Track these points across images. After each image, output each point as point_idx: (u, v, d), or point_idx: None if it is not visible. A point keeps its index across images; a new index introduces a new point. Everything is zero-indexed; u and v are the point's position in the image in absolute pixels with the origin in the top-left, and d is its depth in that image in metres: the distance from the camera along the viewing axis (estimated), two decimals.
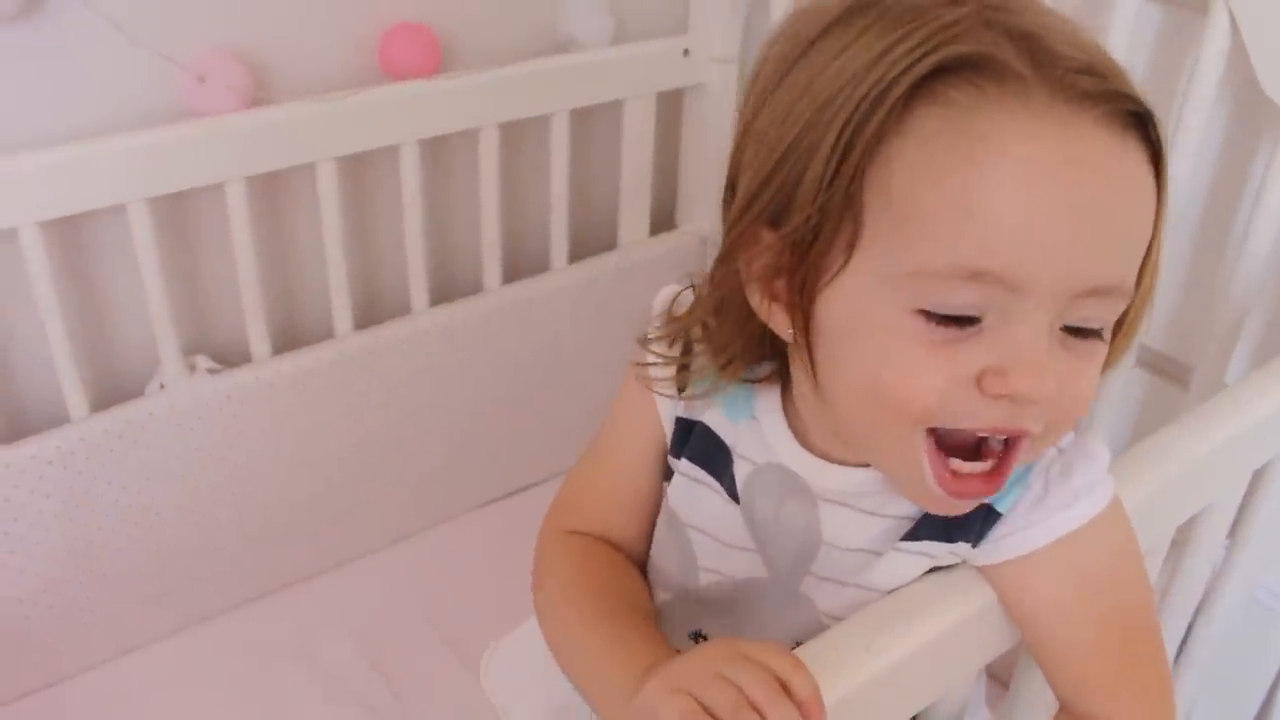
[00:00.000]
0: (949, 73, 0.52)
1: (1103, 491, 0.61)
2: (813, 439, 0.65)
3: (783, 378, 0.67)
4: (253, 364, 1.16)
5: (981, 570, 0.62)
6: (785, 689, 0.49)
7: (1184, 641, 0.91)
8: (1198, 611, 0.89)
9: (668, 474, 0.72)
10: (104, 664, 1.14)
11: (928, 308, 0.52)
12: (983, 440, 0.56)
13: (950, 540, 0.62)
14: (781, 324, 0.59)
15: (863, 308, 0.55)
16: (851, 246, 0.54)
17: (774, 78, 0.58)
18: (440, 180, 1.29)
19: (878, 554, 0.63)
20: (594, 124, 1.36)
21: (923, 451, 0.55)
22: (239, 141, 1.07)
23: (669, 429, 0.71)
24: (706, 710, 0.49)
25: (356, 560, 1.29)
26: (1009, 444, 0.56)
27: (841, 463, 0.64)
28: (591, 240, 1.41)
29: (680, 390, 0.69)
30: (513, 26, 1.27)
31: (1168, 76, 0.99)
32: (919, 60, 0.51)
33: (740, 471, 0.68)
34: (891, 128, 0.52)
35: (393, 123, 1.16)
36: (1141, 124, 0.54)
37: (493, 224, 1.27)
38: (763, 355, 0.65)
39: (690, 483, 0.70)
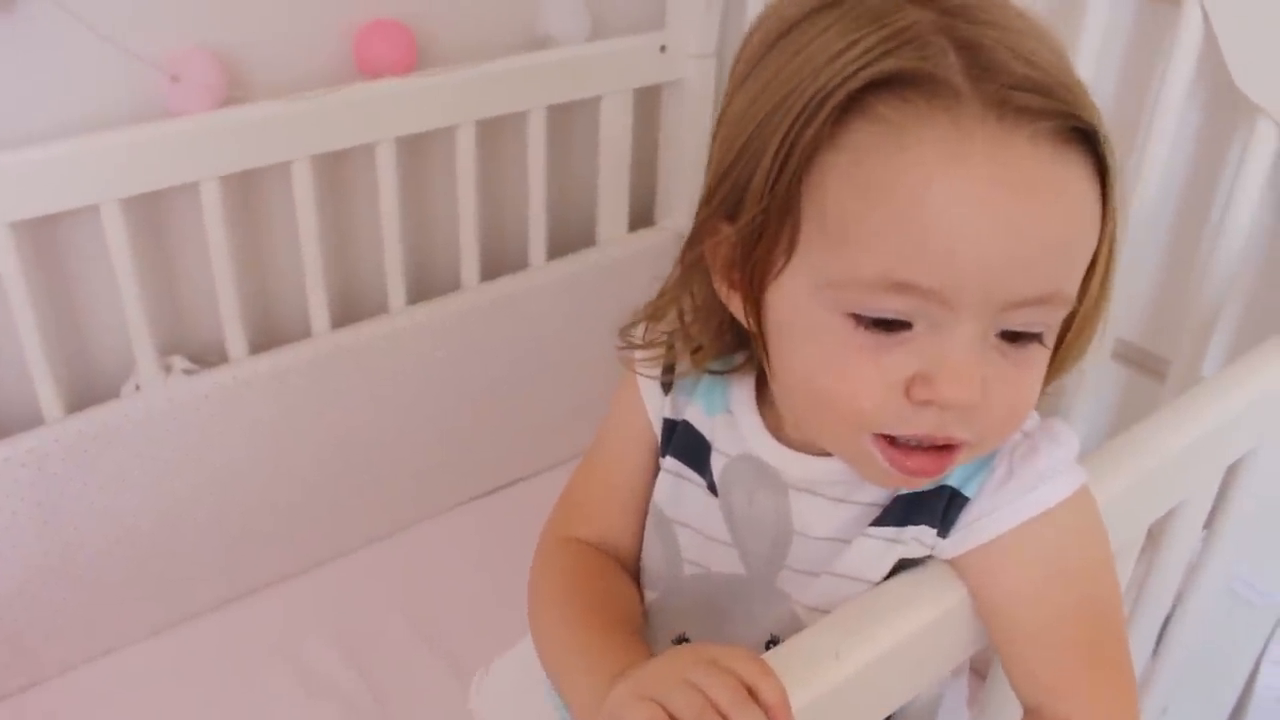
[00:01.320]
0: (882, 87, 0.52)
1: (1070, 477, 0.61)
2: (786, 429, 0.67)
3: (758, 367, 0.67)
4: (229, 364, 1.16)
5: (951, 563, 0.62)
6: (753, 694, 0.49)
7: (1161, 635, 0.91)
8: (1174, 605, 0.89)
9: (656, 473, 0.74)
10: (82, 665, 1.14)
11: (856, 311, 0.54)
12: None
13: (917, 523, 0.62)
14: (740, 313, 0.60)
15: (800, 308, 0.56)
16: (791, 249, 0.55)
17: (745, 71, 0.59)
18: (418, 178, 1.28)
19: (846, 542, 0.64)
20: (572, 121, 1.36)
21: (872, 444, 0.57)
22: (213, 141, 1.07)
23: (659, 430, 0.73)
24: (672, 717, 0.49)
25: (336, 560, 1.29)
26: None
27: (811, 452, 0.65)
28: (570, 237, 1.41)
29: (664, 374, 0.71)
30: (489, 23, 1.27)
31: (1141, 70, 0.99)
32: (854, 74, 0.52)
33: (717, 464, 0.69)
34: (825, 140, 0.53)
35: (369, 121, 1.15)
36: (1088, 139, 0.53)
37: (471, 221, 1.27)
38: (734, 344, 0.67)
39: (675, 479, 0.72)
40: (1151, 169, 0.96)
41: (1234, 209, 0.93)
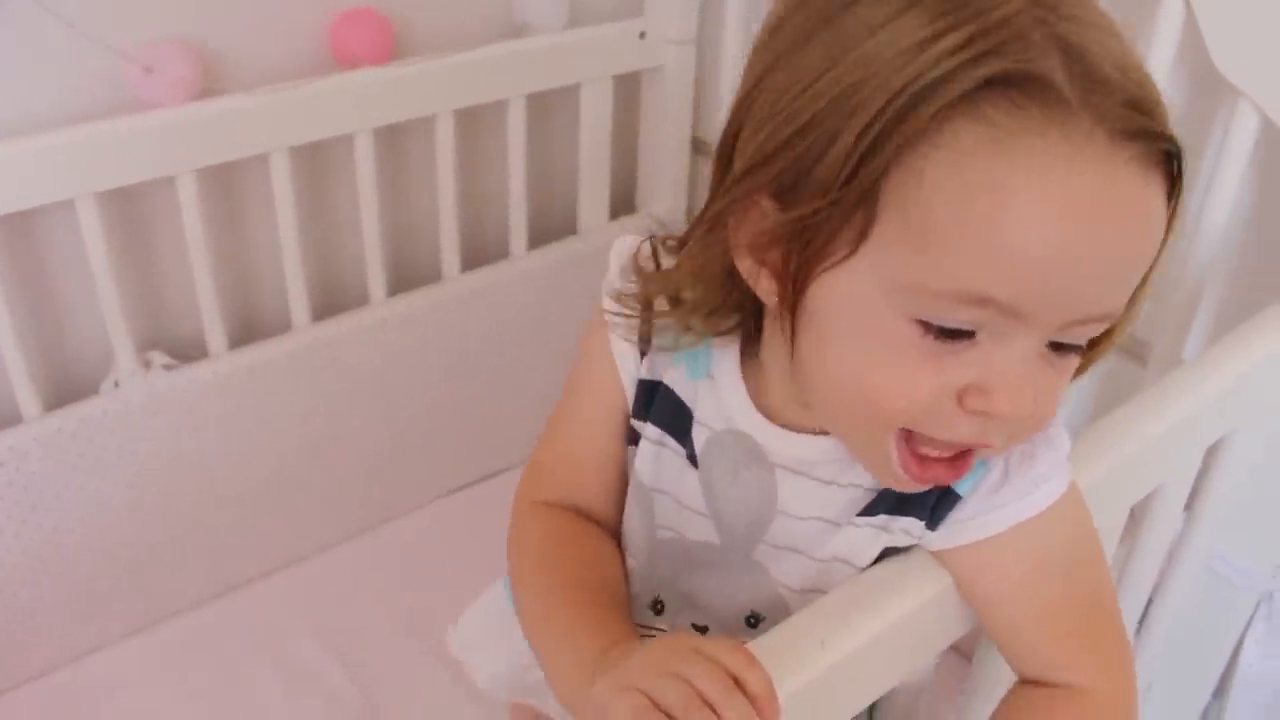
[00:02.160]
0: (991, 87, 0.49)
1: (1060, 479, 0.61)
2: (771, 402, 0.65)
3: (744, 334, 0.65)
4: (209, 359, 1.15)
5: (937, 554, 0.62)
6: (738, 684, 0.49)
7: (1143, 615, 0.92)
8: (1156, 585, 0.90)
9: (632, 438, 0.71)
10: (63, 666, 1.14)
11: (926, 319, 0.52)
12: None
13: (906, 514, 0.62)
14: (768, 292, 0.58)
15: (858, 304, 0.53)
16: (859, 241, 0.52)
17: (798, 34, 0.54)
18: (397, 168, 1.27)
19: (835, 525, 0.64)
20: (551, 108, 1.35)
21: (891, 442, 0.56)
22: (189, 133, 1.06)
23: (631, 391, 0.70)
24: (659, 707, 0.49)
25: (318, 553, 1.28)
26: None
27: (798, 429, 0.64)
28: (551, 226, 1.40)
29: (642, 340, 0.68)
30: (467, 10, 1.26)
31: None
32: (962, 68, 0.49)
33: (699, 437, 0.67)
34: (924, 136, 0.50)
35: (346, 111, 1.14)
36: (1168, 159, 0.52)
37: (451, 211, 1.26)
38: (724, 316, 0.63)
39: (656, 447, 0.69)
40: None
41: (1215, 192, 0.93)
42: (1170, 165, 0.52)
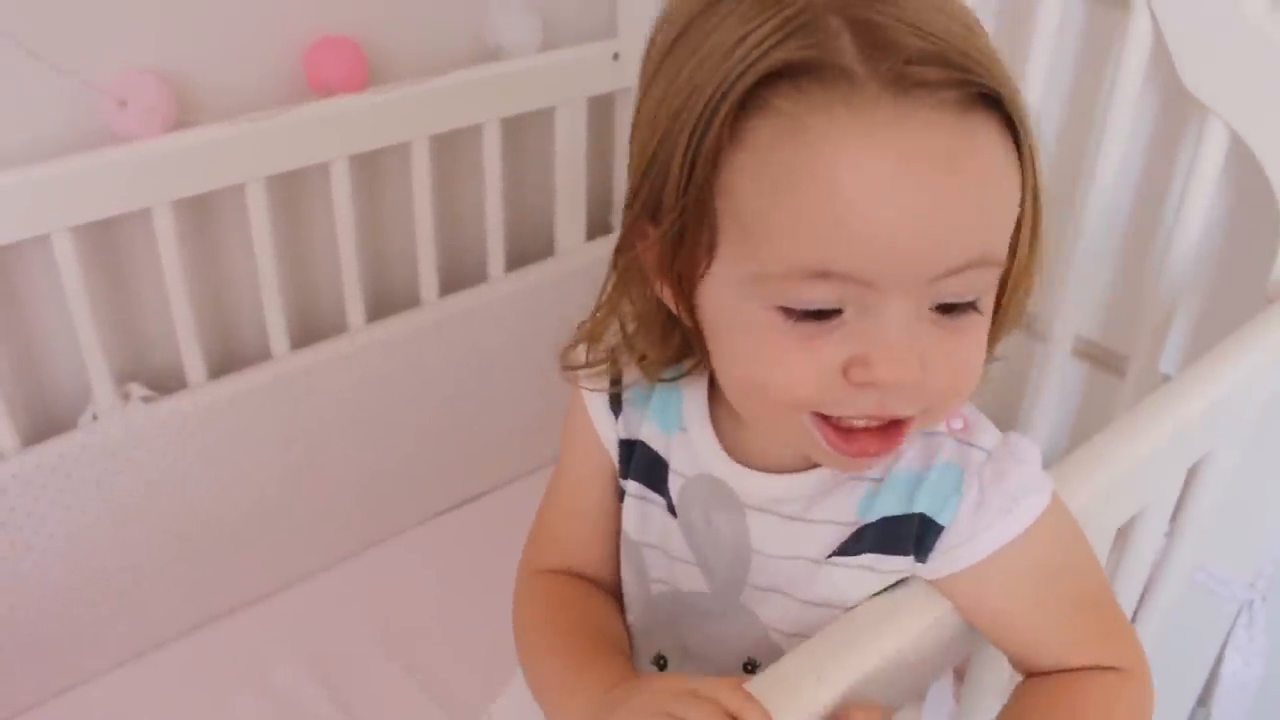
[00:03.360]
0: (778, 79, 0.51)
1: (1041, 491, 0.61)
2: (740, 444, 0.66)
3: (709, 372, 0.66)
4: (189, 390, 1.14)
5: (935, 584, 0.62)
6: None
7: None
8: (1140, 601, 0.90)
9: (620, 497, 0.73)
10: (47, 700, 1.12)
11: (784, 304, 0.53)
12: None
13: (891, 553, 0.62)
14: (674, 304, 0.60)
15: (729, 305, 0.56)
16: (711, 249, 0.55)
17: (651, 70, 0.57)
18: (373, 195, 1.27)
19: (815, 563, 0.64)
20: (526, 131, 1.35)
21: (812, 426, 0.56)
22: (164, 165, 1.05)
23: (614, 453, 0.72)
24: None
25: (303, 582, 1.28)
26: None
27: (769, 470, 0.65)
28: (528, 248, 1.40)
29: (611, 386, 0.69)
30: (439, 36, 1.26)
31: (1093, 72, 1.00)
32: (746, 70, 0.51)
33: (674, 485, 0.69)
34: (727, 141, 0.52)
35: (322, 139, 1.14)
36: (995, 103, 0.52)
37: (428, 237, 1.26)
38: (681, 349, 0.65)
39: (639, 501, 0.71)
40: (1105, 169, 0.97)
41: (1187, 208, 0.94)
42: (999, 108, 0.52)
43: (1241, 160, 0.92)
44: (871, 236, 0.50)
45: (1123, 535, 0.78)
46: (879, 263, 0.51)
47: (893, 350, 0.52)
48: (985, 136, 0.52)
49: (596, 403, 0.71)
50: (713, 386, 0.67)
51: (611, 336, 0.67)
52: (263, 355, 1.20)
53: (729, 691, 0.51)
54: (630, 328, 0.65)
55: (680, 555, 0.70)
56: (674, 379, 0.67)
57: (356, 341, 1.23)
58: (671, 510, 0.69)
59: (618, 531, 0.74)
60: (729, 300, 0.56)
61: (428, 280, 1.28)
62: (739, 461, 0.66)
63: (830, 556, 0.63)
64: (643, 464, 0.70)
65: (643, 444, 0.70)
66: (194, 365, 1.15)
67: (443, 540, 1.34)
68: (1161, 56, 0.92)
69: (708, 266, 0.55)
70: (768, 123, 0.51)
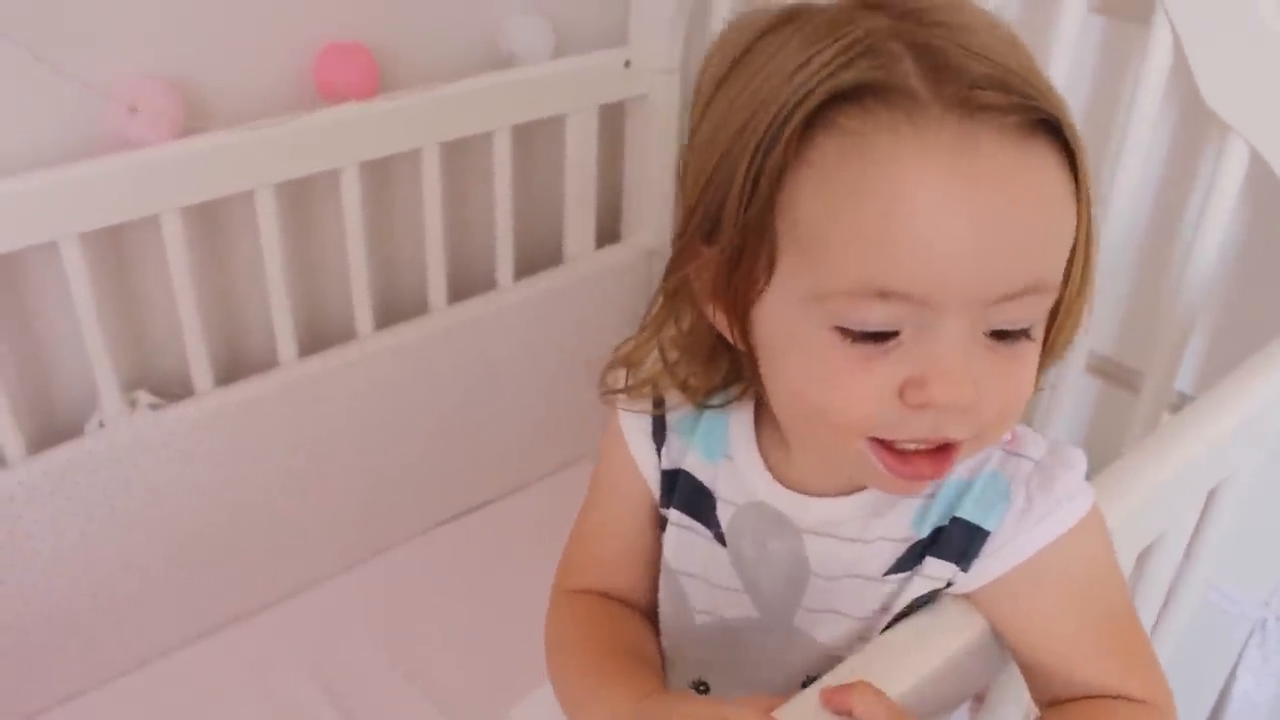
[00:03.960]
0: (843, 99, 0.52)
1: (1083, 498, 0.61)
2: (791, 471, 0.66)
3: (756, 401, 0.67)
4: (196, 397, 1.14)
5: (971, 596, 0.62)
6: None
7: None
8: (1156, 620, 0.90)
9: (663, 525, 0.72)
10: (52, 708, 1.12)
11: (844, 325, 0.53)
12: None
13: (940, 558, 0.62)
14: (730, 333, 0.60)
15: (786, 325, 0.56)
16: (770, 269, 0.55)
17: (708, 94, 0.59)
18: (383, 202, 1.26)
19: (869, 580, 0.63)
20: (536, 139, 1.35)
21: (868, 450, 0.56)
22: (174, 171, 1.04)
23: (655, 483, 0.71)
24: None
25: (309, 590, 1.27)
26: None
27: (820, 494, 0.65)
28: (537, 256, 1.40)
29: (654, 407, 0.70)
30: (451, 43, 1.25)
31: (1112, 87, 1.00)
32: (813, 90, 0.52)
33: (724, 515, 0.68)
34: (792, 159, 0.53)
35: (332, 146, 1.13)
36: (1052, 128, 0.53)
37: (437, 244, 1.25)
38: (728, 375, 0.66)
39: (681, 531, 0.70)
40: (1124, 186, 0.97)
41: (1206, 225, 0.93)
42: (1058, 133, 0.53)
43: (1261, 177, 0.91)
44: (932, 255, 0.51)
45: (1143, 558, 0.77)
46: (938, 282, 0.51)
47: (948, 372, 0.53)
48: (1045, 162, 0.53)
49: (636, 432, 0.71)
50: (758, 412, 0.67)
51: (652, 363, 0.67)
52: (270, 363, 1.19)
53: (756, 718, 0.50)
54: (672, 355, 0.65)
55: (725, 584, 0.69)
56: (721, 405, 0.67)
57: (365, 349, 1.22)
58: (720, 539, 0.68)
59: (656, 557, 0.73)
60: (785, 320, 0.56)
61: (436, 287, 1.28)
62: (788, 487, 0.65)
63: (887, 574, 0.63)
64: (686, 494, 0.70)
65: (686, 473, 0.69)
66: (201, 372, 1.14)
67: (449, 548, 1.34)
68: (1181, 72, 0.91)
69: (765, 285, 0.56)
70: (833, 141, 0.52)
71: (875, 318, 0.52)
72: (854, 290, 0.52)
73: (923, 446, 0.56)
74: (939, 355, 0.53)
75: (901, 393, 0.53)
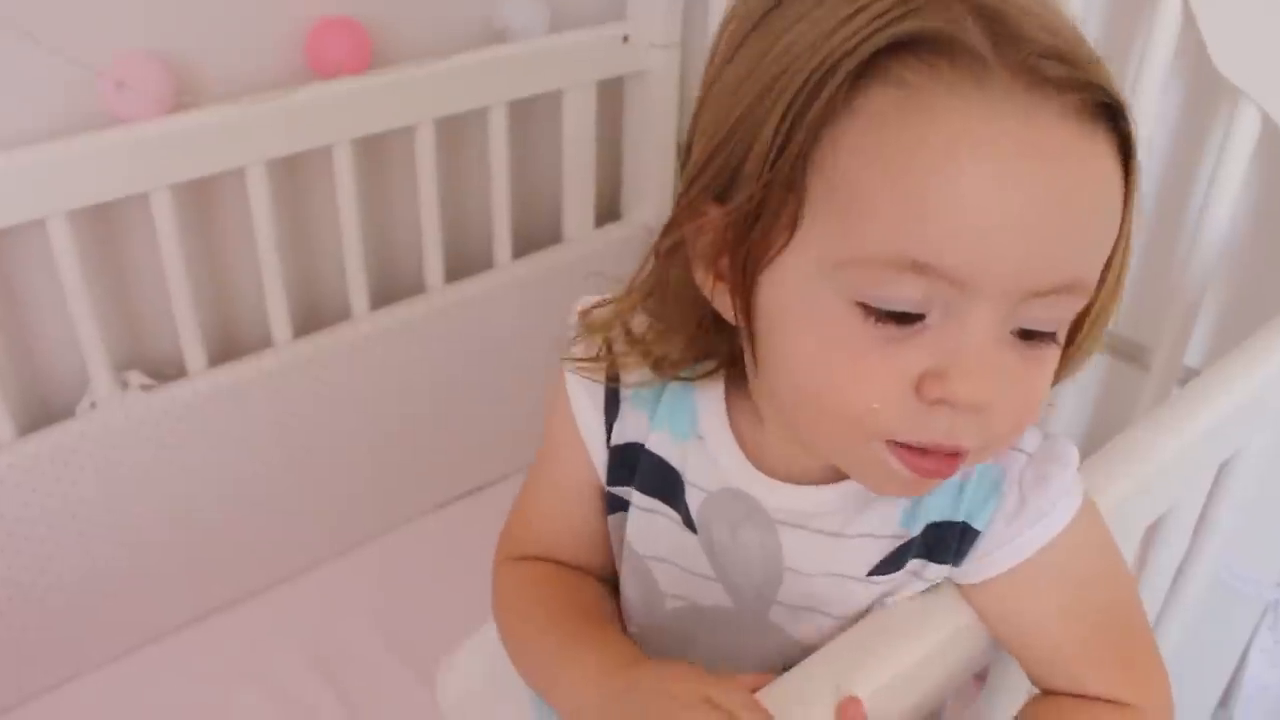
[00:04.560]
0: (903, 50, 0.47)
1: (1075, 493, 0.59)
2: (765, 452, 0.61)
3: (728, 379, 0.62)
4: (188, 378, 1.12)
5: (963, 589, 0.60)
6: None
7: (1154, 629, 0.90)
8: (1165, 599, 0.88)
9: (613, 505, 0.68)
10: (45, 693, 1.11)
11: (867, 301, 0.49)
12: None
13: (936, 560, 0.59)
14: (726, 306, 0.55)
15: (802, 294, 0.51)
16: (793, 226, 0.50)
17: (732, 44, 0.54)
18: (377, 179, 1.25)
19: (850, 579, 0.61)
20: (533, 115, 1.33)
21: (886, 451, 0.52)
22: (163, 148, 1.03)
23: (600, 462, 0.67)
24: None
25: (305, 573, 1.26)
26: None
27: (796, 481, 0.61)
28: (536, 234, 1.38)
29: (610, 381, 0.64)
30: (445, 17, 1.23)
31: (1119, 54, 0.97)
32: (872, 35, 0.47)
33: (693, 500, 0.64)
34: (840, 106, 0.48)
35: (324, 122, 1.12)
36: (1111, 115, 0.49)
37: (433, 222, 1.24)
38: (703, 352, 0.61)
39: (645, 514, 0.66)
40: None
41: (1216, 194, 0.91)
42: (1116, 124, 0.50)
43: (1273, 144, 0.89)
44: (981, 231, 0.47)
45: (1151, 535, 0.76)
46: (982, 259, 0.47)
47: (973, 365, 0.49)
48: (1103, 150, 0.49)
49: (584, 401, 0.66)
50: (729, 390, 0.62)
51: (620, 335, 0.62)
52: (264, 343, 1.18)
53: (745, 709, 0.49)
54: (642, 327, 0.61)
55: (699, 571, 0.65)
56: (688, 379, 0.62)
57: (360, 329, 1.21)
58: (689, 525, 0.64)
59: (604, 537, 0.70)
60: (799, 291, 0.51)
61: (433, 267, 1.26)
62: (764, 472, 0.61)
63: (871, 574, 0.60)
64: (650, 473, 0.65)
65: (649, 452, 0.65)
66: (194, 353, 1.12)
67: (446, 531, 1.33)
68: (1191, 36, 0.89)
69: (783, 247, 0.51)
70: (888, 91, 0.48)
71: (906, 294, 0.48)
72: (889, 260, 0.48)
73: (932, 450, 0.52)
74: (966, 345, 0.49)
75: (919, 387, 0.49)
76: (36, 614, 1.07)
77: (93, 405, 1.08)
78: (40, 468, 1.04)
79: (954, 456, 0.52)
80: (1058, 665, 0.60)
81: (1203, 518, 0.82)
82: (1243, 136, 0.89)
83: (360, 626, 1.20)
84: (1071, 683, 0.60)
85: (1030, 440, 0.59)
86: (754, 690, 0.52)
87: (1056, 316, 0.51)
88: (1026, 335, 0.51)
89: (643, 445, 0.65)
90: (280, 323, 1.17)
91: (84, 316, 1.04)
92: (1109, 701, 0.60)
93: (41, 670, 1.10)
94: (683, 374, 0.62)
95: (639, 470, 0.65)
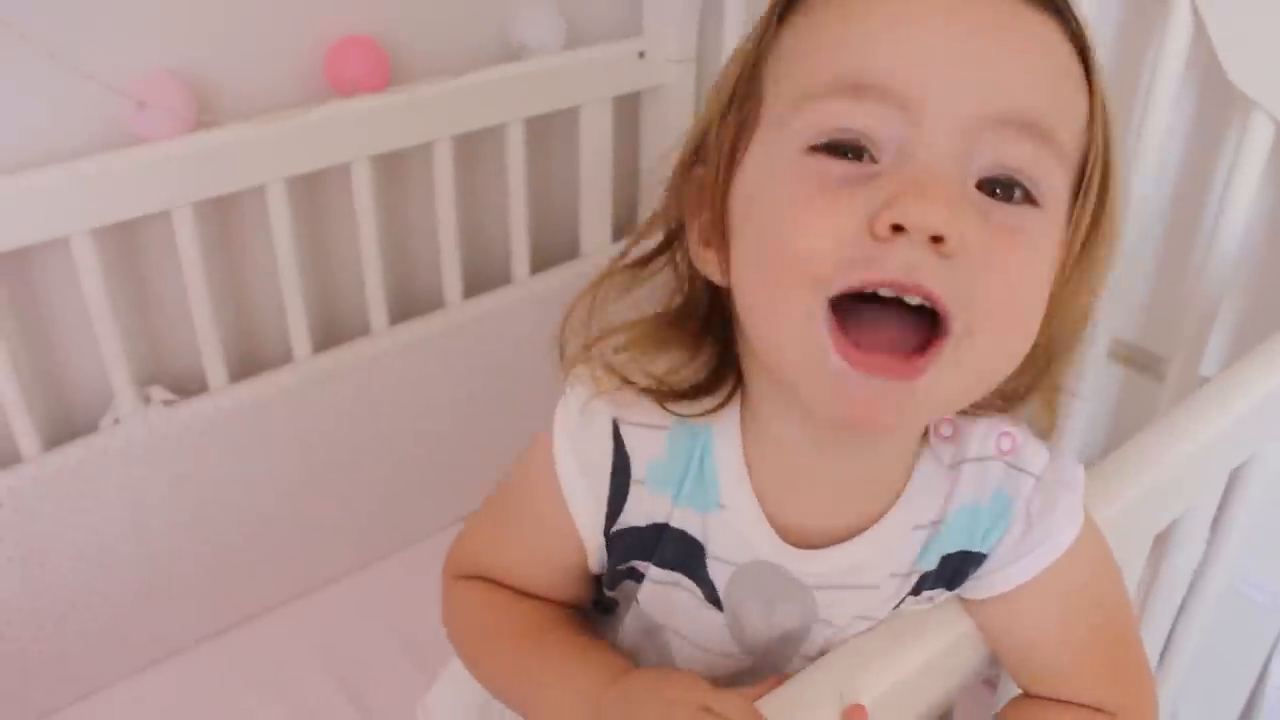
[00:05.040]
0: None
1: (1078, 514, 0.59)
2: (790, 515, 0.59)
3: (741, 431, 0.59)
4: (210, 393, 1.13)
5: (965, 603, 0.60)
6: None
7: (1168, 640, 0.90)
8: (1180, 610, 0.88)
9: (619, 577, 0.64)
10: (67, 706, 1.12)
11: (816, 140, 0.48)
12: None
13: (949, 588, 0.60)
14: (715, 269, 0.55)
15: (762, 166, 0.51)
16: (754, 124, 0.52)
17: None
18: (395, 196, 1.26)
19: (878, 618, 0.61)
20: (551, 131, 1.34)
21: (825, 329, 0.48)
22: (185, 167, 1.04)
23: (593, 546, 0.63)
24: None
25: (325, 587, 1.27)
26: (928, 344, 0.49)
27: (828, 542, 0.59)
28: (554, 249, 1.39)
29: (616, 475, 0.60)
30: (462, 35, 1.24)
31: (1133, 65, 0.97)
32: None
33: (718, 573, 0.60)
34: (775, 29, 0.52)
35: (343, 140, 1.13)
36: (1060, 15, 0.50)
37: (451, 238, 1.25)
38: (705, 382, 0.59)
39: (664, 586, 0.62)
40: (1145, 165, 0.94)
41: (1229, 204, 0.91)
42: (1068, 26, 0.50)
43: None
44: (922, 45, 0.47)
45: (1161, 542, 0.75)
46: (919, 74, 0.47)
47: (926, 189, 0.46)
48: (1051, 32, 0.50)
49: (577, 486, 0.61)
50: (747, 449, 0.59)
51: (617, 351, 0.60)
52: (284, 358, 1.19)
53: (743, 713, 0.49)
54: (641, 338, 0.59)
55: (719, 647, 0.63)
56: (687, 416, 0.58)
57: (379, 344, 1.22)
58: (713, 601, 0.61)
59: (586, 585, 0.67)
60: (761, 163, 0.51)
61: (451, 282, 1.27)
62: (791, 541, 0.59)
63: (893, 608, 0.61)
64: (672, 548, 0.61)
65: (674, 529, 0.60)
66: (215, 368, 1.14)
67: None
68: (1203, 46, 0.89)
69: (748, 144, 0.52)
70: (811, 4, 0.52)
71: (847, 121, 0.47)
72: (829, 86, 0.48)
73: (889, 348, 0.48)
74: (918, 175, 0.47)
75: (872, 227, 0.46)
76: (57, 626, 1.08)
77: (116, 420, 1.10)
78: (64, 481, 1.05)
79: (913, 358, 0.48)
80: (1049, 674, 0.61)
81: (1216, 525, 0.82)
82: (1256, 146, 0.88)
83: (380, 641, 1.20)
84: (1059, 690, 0.61)
85: (1037, 460, 0.59)
86: (754, 699, 0.52)
87: (1025, 162, 0.48)
88: (996, 188, 0.48)
89: (667, 524, 0.61)
90: (300, 338, 1.18)
91: (107, 333, 1.06)
92: (1093, 709, 0.60)
93: (62, 683, 1.11)
94: (681, 410, 0.58)
95: (661, 545, 0.61)
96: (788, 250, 0.48)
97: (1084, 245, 0.53)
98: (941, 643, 0.57)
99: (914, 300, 0.47)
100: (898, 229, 0.46)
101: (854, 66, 0.48)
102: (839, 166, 0.48)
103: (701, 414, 0.58)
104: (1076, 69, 0.51)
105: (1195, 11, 0.88)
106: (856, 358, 0.48)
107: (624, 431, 0.59)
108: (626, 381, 0.58)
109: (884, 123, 0.47)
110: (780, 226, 0.49)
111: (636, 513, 0.61)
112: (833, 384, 0.48)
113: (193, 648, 1.19)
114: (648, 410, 0.59)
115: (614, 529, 0.61)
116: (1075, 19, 0.51)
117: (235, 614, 1.21)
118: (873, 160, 0.48)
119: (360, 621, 1.22)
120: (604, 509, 0.61)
